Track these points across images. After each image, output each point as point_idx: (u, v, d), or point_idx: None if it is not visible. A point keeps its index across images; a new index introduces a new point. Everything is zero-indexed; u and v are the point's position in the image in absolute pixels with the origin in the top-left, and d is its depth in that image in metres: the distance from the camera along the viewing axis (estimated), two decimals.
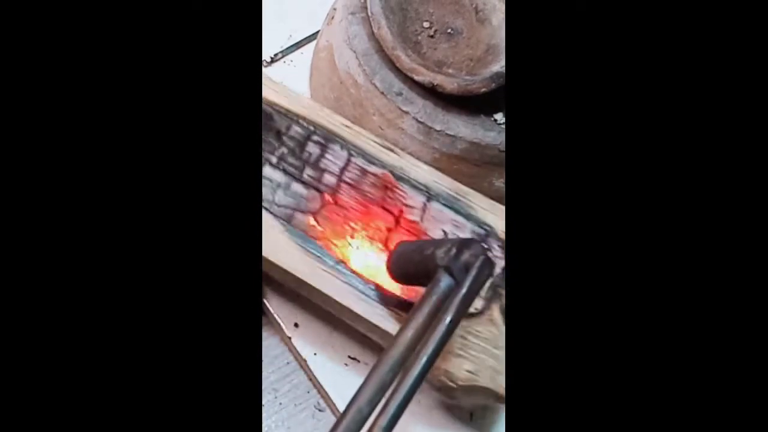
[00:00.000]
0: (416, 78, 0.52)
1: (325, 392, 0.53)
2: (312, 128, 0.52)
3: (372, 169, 0.52)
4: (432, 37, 0.57)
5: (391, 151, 0.52)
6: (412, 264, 0.43)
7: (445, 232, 0.50)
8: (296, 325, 0.54)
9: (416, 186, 0.51)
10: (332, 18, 0.59)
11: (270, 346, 0.55)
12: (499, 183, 0.55)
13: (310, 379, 0.54)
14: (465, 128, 0.53)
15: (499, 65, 0.53)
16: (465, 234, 0.50)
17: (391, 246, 0.50)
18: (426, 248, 0.41)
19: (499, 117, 0.54)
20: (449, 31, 0.58)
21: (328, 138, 0.52)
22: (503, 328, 0.49)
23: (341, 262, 0.49)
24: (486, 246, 0.50)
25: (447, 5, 0.58)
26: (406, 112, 0.53)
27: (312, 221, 0.51)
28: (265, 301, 0.54)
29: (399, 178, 0.51)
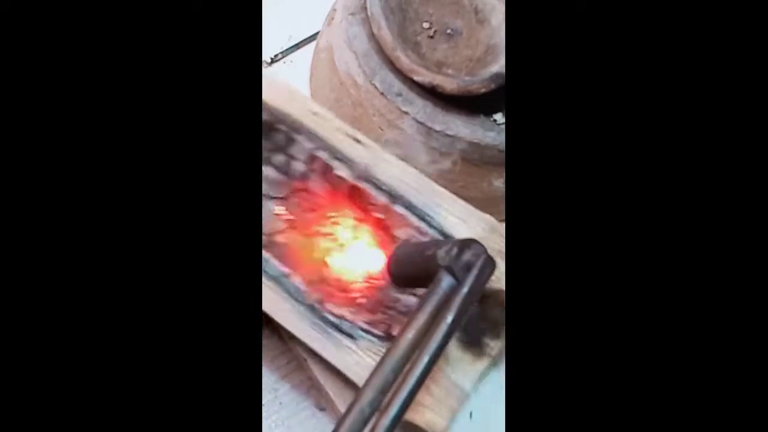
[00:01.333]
0: (416, 78, 0.52)
1: (325, 391, 0.53)
2: (277, 116, 0.50)
3: (335, 164, 0.50)
4: (432, 37, 0.57)
5: (358, 142, 0.50)
6: (413, 266, 0.43)
7: (408, 236, 0.49)
8: None
9: (380, 187, 0.49)
10: (332, 19, 0.59)
11: (270, 346, 0.55)
12: (499, 183, 0.55)
13: (310, 379, 0.54)
14: (465, 128, 0.53)
15: (498, 66, 0.53)
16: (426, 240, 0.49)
17: (361, 237, 0.50)
18: (427, 249, 0.41)
19: (499, 117, 0.54)
20: (449, 31, 0.58)
21: (293, 128, 0.50)
22: (448, 358, 0.48)
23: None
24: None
25: (447, 6, 0.58)
26: (406, 113, 0.53)
27: (279, 209, 0.50)
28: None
29: (362, 178, 0.49)
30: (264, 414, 0.53)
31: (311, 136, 0.50)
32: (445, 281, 0.38)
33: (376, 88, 0.54)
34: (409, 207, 0.49)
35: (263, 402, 0.53)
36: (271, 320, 0.55)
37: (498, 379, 0.51)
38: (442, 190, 0.50)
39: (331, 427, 0.53)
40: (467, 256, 0.39)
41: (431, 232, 0.49)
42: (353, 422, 0.34)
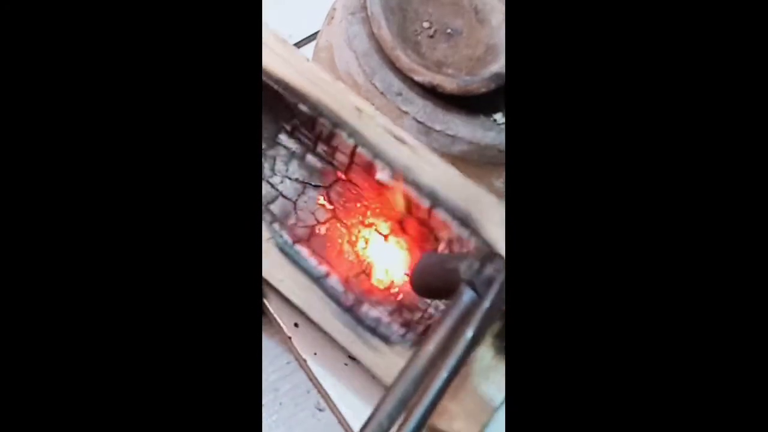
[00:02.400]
0: (416, 78, 0.52)
1: (325, 392, 0.53)
2: (319, 110, 0.49)
3: (377, 163, 0.49)
4: (432, 37, 0.57)
5: (402, 142, 0.49)
6: (435, 278, 0.42)
7: (450, 238, 0.49)
8: (296, 325, 0.54)
9: (421, 189, 0.48)
10: (332, 18, 0.59)
11: (270, 346, 0.55)
12: (499, 183, 0.55)
13: (310, 379, 0.54)
14: (465, 128, 0.53)
15: (498, 65, 0.53)
16: (469, 248, 0.48)
17: (407, 230, 0.50)
18: (448, 262, 0.41)
19: (499, 117, 0.54)
20: (449, 31, 0.58)
21: (336, 123, 0.49)
22: (481, 366, 0.47)
23: (329, 268, 0.48)
24: None
25: (446, 5, 0.58)
26: (406, 113, 0.53)
27: (322, 200, 0.50)
28: (265, 301, 0.54)
29: (405, 179, 0.49)
30: (264, 414, 0.53)
31: (353, 132, 0.49)
32: (467, 295, 0.38)
33: (375, 87, 0.54)
34: (450, 211, 0.48)
35: (263, 402, 0.53)
36: (271, 320, 0.55)
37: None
38: (485, 193, 0.48)
39: (331, 427, 0.53)
40: (489, 270, 0.38)
41: (472, 238, 0.48)
42: None
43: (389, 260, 0.51)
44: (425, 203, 0.48)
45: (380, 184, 0.49)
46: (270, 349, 0.55)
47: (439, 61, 0.56)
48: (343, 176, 0.51)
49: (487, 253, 0.39)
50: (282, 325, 0.54)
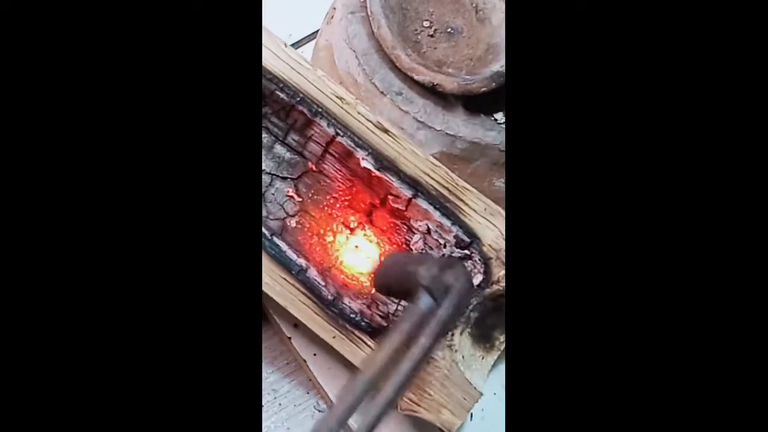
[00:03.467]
0: (416, 77, 0.52)
1: (325, 392, 0.53)
2: (298, 97, 0.49)
3: (358, 154, 0.49)
4: (432, 36, 0.57)
5: (386, 132, 0.49)
6: (395, 279, 0.42)
7: (429, 228, 0.49)
8: (296, 325, 0.54)
9: (404, 180, 0.49)
10: (332, 17, 0.59)
11: (270, 346, 0.55)
12: (499, 183, 0.55)
13: (310, 380, 0.54)
14: (465, 128, 0.53)
15: (499, 64, 0.53)
16: (449, 237, 0.49)
17: (376, 223, 0.50)
18: (410, 264, 0.40)
19: (499, 116, 0.54)
20: (449, 30, 0.58)
21: (316, 112, 0.49)
22: (462, 355, 0.48)
23: (306, 259, 0.48)
24: (470, 267, 0.48)
25: (447, 4, 0.58)
26: (406, 112, 0.53)
27: (291, 192, 0.49)
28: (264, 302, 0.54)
29: (386, 168, 0.49)
30: (264, 415, 0.53)
31: (334, 120, 0.49)
32: (423, 301, 0.37)
33: (375, 87, 0.53)
34: (433, 200, 0.48)
35: (263, 402, 0.53)
36: (271, 320, 0.55)
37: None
38: (469, 187, 0.49)
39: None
40: (448, 277, 0.37)
41: (454, 230, 0.48)
42: None
43: (358, 254, 0.51)
44: (407, 192, 0.48)
45: (355, 174, 0.49)
46: (270, 349, 0.55)
47: (440, 60, 0.56)
48: (314, 167, 0.50)
49: (448, 261, 0.39)
50: (282, 325, 0.54)
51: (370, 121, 0.49)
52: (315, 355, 0.53)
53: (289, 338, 0.54)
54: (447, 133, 0.53)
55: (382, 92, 0.53)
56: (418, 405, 0.47)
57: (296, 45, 0.65)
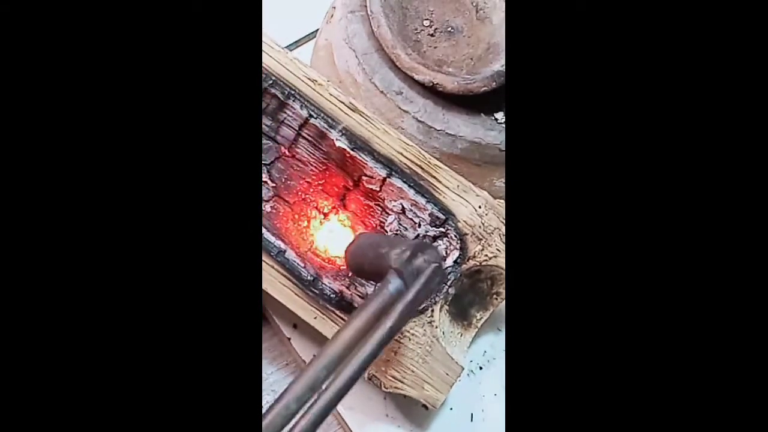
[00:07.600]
0: (416, 77, 0.52)
1: None
2: (270, 80, 0.49)
3: (332, 134, 0.49)
4: (432, 35, 0.57)
5: (355, 111, 0.49)
6: (367, 260, 0.42)
7: (403, 207, 0.49)
8: (295, 326, 0.54)
9: (378, 159, 0.49)
10: (331, 16, 0.59)
11: (270, 346, 0.55)
12: (500, 183, 0.55)
13: None
14: (465, 127, 0.53)
15: (499, 64, 0.53)
16: (424, 215, 0.49)
17: (349, 207, 0.50)
18: (382, 246, 0.40)
19: (500, 116, 0.54)
20: (449, 29, 0.58)
21: (289, 94, 0.49)
22: (442, 331, 0.48)
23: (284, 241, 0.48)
24: (446, 244, 0.49)
25: (447, 3, 0.58)
26: (406, 112, 0.53)
27: (264, 177, 0.49)
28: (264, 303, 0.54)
29: (360, 148, 0.49)
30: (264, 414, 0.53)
31: (306, 102, 0.49)
32: (393, 284, 0.37)
33: (375, 86, 0.53)
34: (407, 180, 0.49)
35: (263, 402, 0.53)
36: (271, 321, 0.55)
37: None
38: (441, 165, 0.50)
39: (331, 427, 0.53)
40: (419, 261, 0.37)
41: (429, 207, 0.49)
42: (277, 416, 0.33)
43: (333, 238, 0.51)
44: (381, 172, 0.49)
45: (328, 158, 0.50)
46: (270, 350, 0.55)
47: (440, 59, 0.56)
48: (287, 152, 0.50)
49: (421, 244, 0.39)
50: (281, 326, 0.54)
51: (343, 102, 0.49)
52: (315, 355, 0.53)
53: (289, 339, 0.54)
54: (447, 133, 0.53)
55: (381, 92, 0.53)
56: (402, 382, 0.48)
57: (296, 44, 0.65)
